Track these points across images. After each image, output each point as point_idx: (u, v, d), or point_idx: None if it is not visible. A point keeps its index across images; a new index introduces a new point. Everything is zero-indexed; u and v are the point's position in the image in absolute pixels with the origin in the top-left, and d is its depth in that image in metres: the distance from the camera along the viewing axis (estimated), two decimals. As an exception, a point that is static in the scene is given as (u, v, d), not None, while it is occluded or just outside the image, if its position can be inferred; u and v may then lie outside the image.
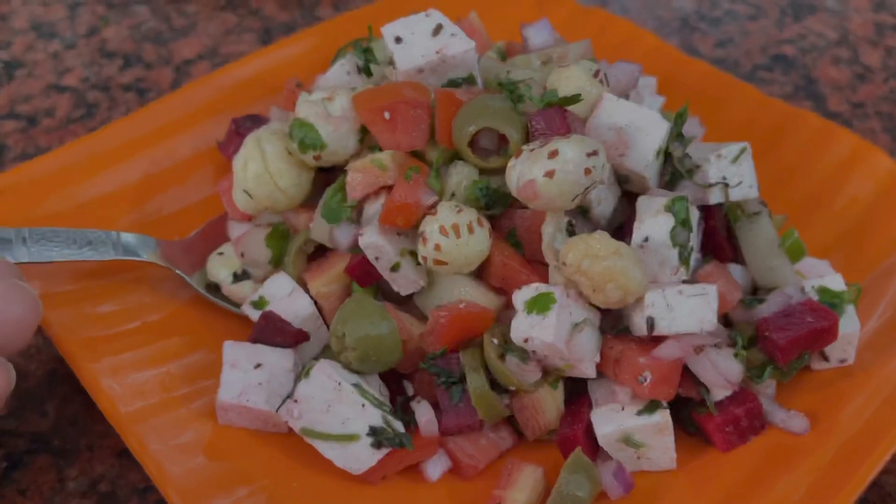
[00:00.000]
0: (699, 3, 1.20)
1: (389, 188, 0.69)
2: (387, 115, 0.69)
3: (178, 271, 0.76)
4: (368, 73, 0.78)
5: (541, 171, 0.62)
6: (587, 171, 0.62)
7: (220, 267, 0.77)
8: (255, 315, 0.72)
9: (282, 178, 0.73)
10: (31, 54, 1.12)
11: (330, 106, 0.72)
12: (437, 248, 0.65)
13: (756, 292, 0.73)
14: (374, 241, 0.67)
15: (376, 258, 0.68)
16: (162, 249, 0.77)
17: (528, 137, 0.68)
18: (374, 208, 0.70)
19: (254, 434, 0.67)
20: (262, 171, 0.72)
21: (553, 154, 0.62)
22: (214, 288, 0.77)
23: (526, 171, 0.63)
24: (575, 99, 0.68)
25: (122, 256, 0.74)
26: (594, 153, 0.63)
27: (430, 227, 0.66)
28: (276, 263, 0.75)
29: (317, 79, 0.80)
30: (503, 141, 0.68)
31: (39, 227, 0.72)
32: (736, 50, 1.12)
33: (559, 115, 0.66)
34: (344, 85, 0.77)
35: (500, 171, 0.69)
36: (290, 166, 0.73)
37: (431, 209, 0.67)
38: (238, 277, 0.76)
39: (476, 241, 0.66)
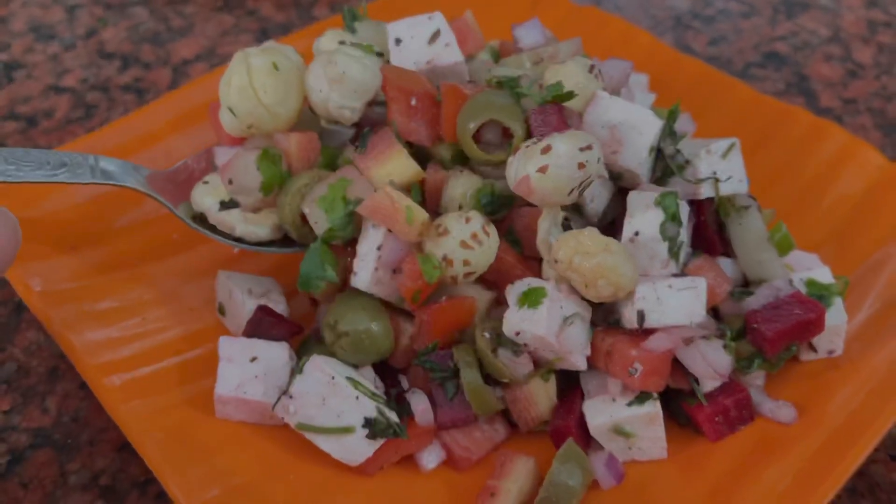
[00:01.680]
0: (693, 1, 1.21)
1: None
2: (413, 101, 0.69)
3: (162, 200, 0.74)
4: (353, 30, 0.79)
5: (534, 167, 0.63)
6: (580, 166, 0.63)
7: (206, 195, 0.73)
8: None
9: (266, 93, 0.69)
10: (31, 56, 1.13)
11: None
12: (467, 263, 0.65)
13: (746, 285, 0.74)
14: (368, 288, 0.67)
15: None
16: (146, 178, 0.74)
17: (530, 133, 0.68)
18: (372, 236, 0.67)
19: (251, 427, 0.68)
20: (246, 84, 0.68)
21: (546, 150, 0.63)
22: (200, 219, 0.74)
23: (521, 168, 0.64)
24: (570, 95, 0.69)
25: (100, 180, 0.72)
26: (588, 147, 0.64)
27: (449, 247, 0.65)
28: (267, 191, 0.70)
29: (315, 42, 0.80)
30: (506, 136, 0.69)
31: (8, 148, 0.70)
32: (729, 48, 1.14)
33: (556, 112, 0.67)
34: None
35: (503, 166, 0.70)
36: (276, 82, 0.69)
37: (439, 228, 0.66)
38: (225, 205, 0.72)
39: (493, 242, 0.67)
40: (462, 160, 0.71)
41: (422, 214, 0.66)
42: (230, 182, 0.70)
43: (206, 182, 0.74)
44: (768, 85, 1.07)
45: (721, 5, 1.20)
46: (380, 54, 0.76)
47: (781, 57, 1.12)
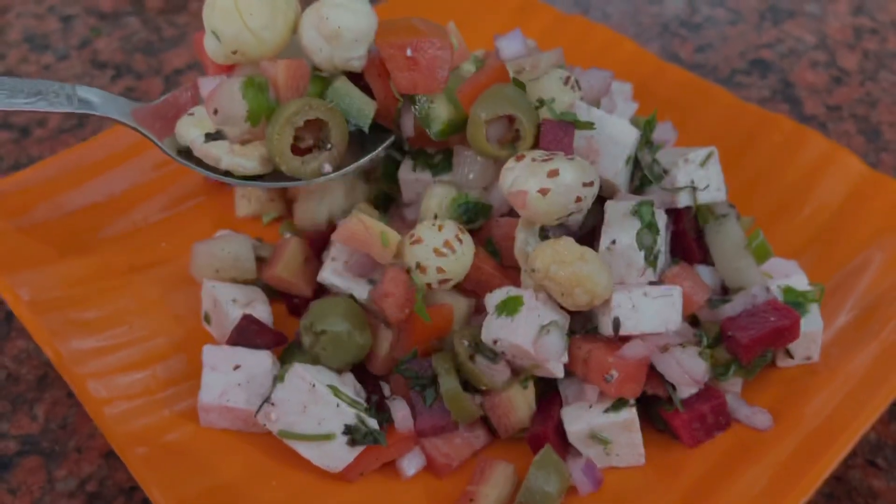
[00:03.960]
0: (680, 9, 1.22)
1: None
2: (409, 51, 0.67)
3: (145, 132, 0.71)
4: None
5: (536, 186, 0.64)
6: (578, 199, 0.65)
7: (191, 127, 0.70)
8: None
9: (252, 16, 0.66)
10: (25, 66, 1.14)
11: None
12: (441, 270, 0.67)
13: (726, 292, 0.75)
14: (331, 282, 0.70)
15: None
16: (132, 112, 0.72)
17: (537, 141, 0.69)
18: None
19: (234, 434, 0.69)
20: (231, 6, 0.66)
21: (553, 173, 0.64)
22: (186, 154, 0.72)
23: (522, 180, 0.65)
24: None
25: (78, 109, 0.69)
26: (590, 184, 0.65)
27: (422, 254, 0.66)
28: (254, 121, 0.67)
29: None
30: (506, 137, 0.69)
31: None
32: (715, 55, 1.14)
33: (569, 134, 0.68)
34: None
35: (479, 178, 0.71)
36: (262, 4, 0.66)
37: (412, 237, 0.67)
38: (211, 137, 0.69)
39: (468, 249, 0.68)
40: (454, 130, 0.71)
41: (395, 237, 0.67)
42: (215, 112, 0.68)
43: (191, 114, 0.71)
44: (754, 92, 1.08)
45: (708, 13, 1.21)
46: None
47: (767, 64, 1.13)
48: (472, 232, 0.70)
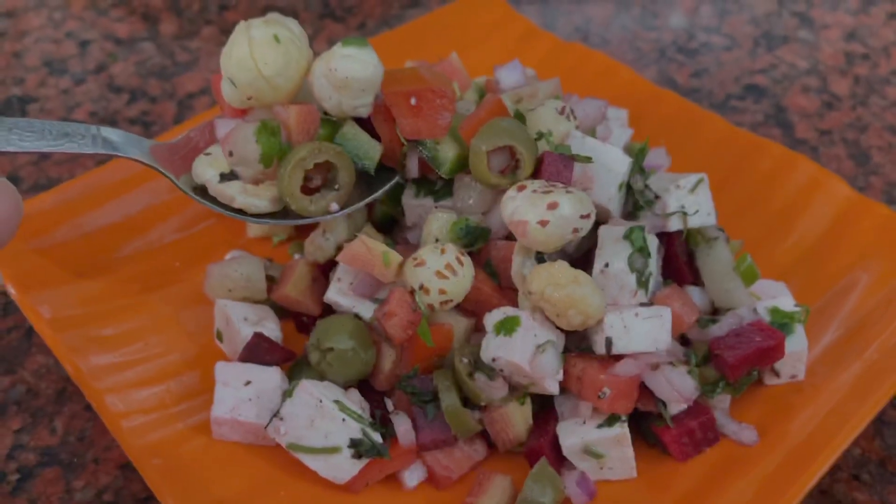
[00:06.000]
0: (676, 34, 1.26)
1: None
2: (413, 100, 0.71)
3: (164, 171, 0.74)
4: None
5: (536, 217, 0.67)
6: (574, 230, 0.68)
7: (207, 167, 0.74)
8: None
9: (266, 65, 0.69)
10: (43, 90, 1.18)
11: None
12: (442, 291, 0.70)
13: (715, 312, 0.79)
14: (337, 302, 0.74)
15: None
16: (150, 149, 0.75)
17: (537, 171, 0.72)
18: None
19: (245, 447, 0.72)
20: (246, 55, 0.69)
21: (552, 206, 0.67)
22: (202, 192, 0.75)
23: (522, 210, 0.68)
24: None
25: (101, 150, 0.72)
26: (587, 216, 0.68)
27: (425, 276, 0.70)
28: (267, 163, 0.71)
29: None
30: (510, 163, 0.72)
31: (12, 118, 0.69)
32: (710, 80, 1.18)
33: (568, 167, 0.71)
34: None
35: (479, 204, 0.75)
36: (276, 54, 0.69)
37: (416, 260, 0.71)
38: (225, 177, 0.73)
39: (468, 271, 0.71)
40: (462, 166, 0.74)
41: (396, 258, 0.71)
42: (230, 154, 0.71)
43: (208, 154, 0.75)
44: (747, 116, 1.12)
45: (704, 38, 1.25)
46: None
47: (761, 89, 1.16)
48: (471, 254, 0.74)
